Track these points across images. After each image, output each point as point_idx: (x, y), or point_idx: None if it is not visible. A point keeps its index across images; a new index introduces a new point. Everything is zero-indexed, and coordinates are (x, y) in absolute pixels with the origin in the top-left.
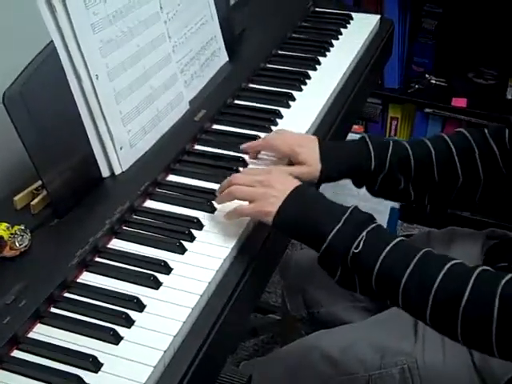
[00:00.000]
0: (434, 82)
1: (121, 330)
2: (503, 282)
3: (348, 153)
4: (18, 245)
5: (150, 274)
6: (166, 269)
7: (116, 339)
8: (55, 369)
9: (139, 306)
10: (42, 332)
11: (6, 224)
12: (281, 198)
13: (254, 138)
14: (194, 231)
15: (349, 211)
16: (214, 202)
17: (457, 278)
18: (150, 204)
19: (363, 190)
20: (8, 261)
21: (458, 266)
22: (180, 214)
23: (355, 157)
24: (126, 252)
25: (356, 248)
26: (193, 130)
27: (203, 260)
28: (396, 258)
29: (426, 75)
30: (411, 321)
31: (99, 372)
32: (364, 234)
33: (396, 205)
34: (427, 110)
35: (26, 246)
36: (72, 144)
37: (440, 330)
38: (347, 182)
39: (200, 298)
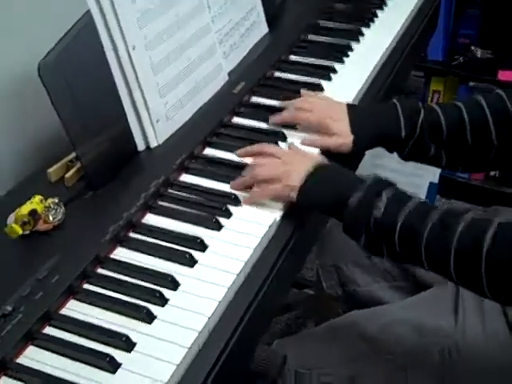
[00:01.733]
0: (479, 54)
1: (154, 309)
2: None
3: (378, 121)
4: (51, 218)
5: (185, 251)
6: (202, 246)
7: (149, 318)
8: (87, 347)
9: (173, 285)
10: (74, 308)
11: (39, 196)
12: (303, 173)
13: None
14: (230, 207)
15: (369, 179)
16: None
17: (478, 226)
18: (185, 178)
19: (401, 165)
20: (42, 235)
21: (479, 218)
22: (217, 190)
23: (385, 125)
24: (161, 228)
25: (377, 211)
26: (231, 102)
27: (240, 237)
28: (417, 215)
29: (472, 47)
30: (451, 302)
31: (132, 352)
32: (384, 198)
33: (435, 179)
34: (471, 84)
35: (59, 220)
36: (107, 116)
37: (465, 283)
38: (383, 155)
39: (236, 277)
